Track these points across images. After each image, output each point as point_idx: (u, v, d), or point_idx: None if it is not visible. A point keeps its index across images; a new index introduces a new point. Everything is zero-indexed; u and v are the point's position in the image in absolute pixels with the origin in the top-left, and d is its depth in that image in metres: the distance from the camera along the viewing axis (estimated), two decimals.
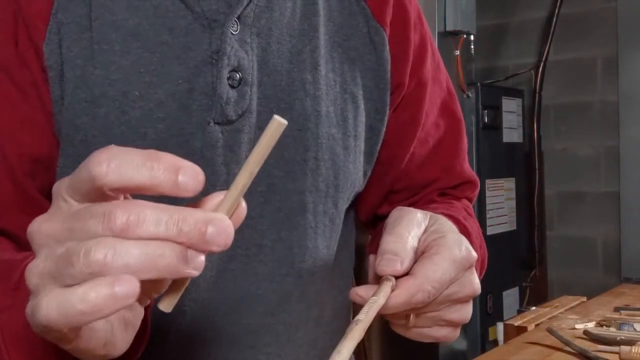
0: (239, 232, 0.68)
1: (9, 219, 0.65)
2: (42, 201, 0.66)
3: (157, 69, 0.65)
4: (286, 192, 0.71)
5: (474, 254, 0.58)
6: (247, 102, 0.68)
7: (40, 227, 0.39)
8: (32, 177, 0.65)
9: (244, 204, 0.42)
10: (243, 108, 0.67)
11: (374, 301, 0.51)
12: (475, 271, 0.58)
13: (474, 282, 0.58)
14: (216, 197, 0.41)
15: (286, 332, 0.73)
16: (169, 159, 0.38)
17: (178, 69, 0.66)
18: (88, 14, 0.65)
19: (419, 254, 0.57)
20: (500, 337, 1.98)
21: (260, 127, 0.69)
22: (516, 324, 1.28)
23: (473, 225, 0.76)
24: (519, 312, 2.05)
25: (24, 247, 0.65)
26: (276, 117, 0.40)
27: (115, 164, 0.37)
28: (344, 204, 0.78)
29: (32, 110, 0.65)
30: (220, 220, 0.38)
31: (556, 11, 3.09)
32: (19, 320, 0.47)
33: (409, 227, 0.58)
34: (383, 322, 0.56)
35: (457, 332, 0.60)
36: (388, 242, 0.57)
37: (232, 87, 0.67)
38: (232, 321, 0.71)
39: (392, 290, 0.54)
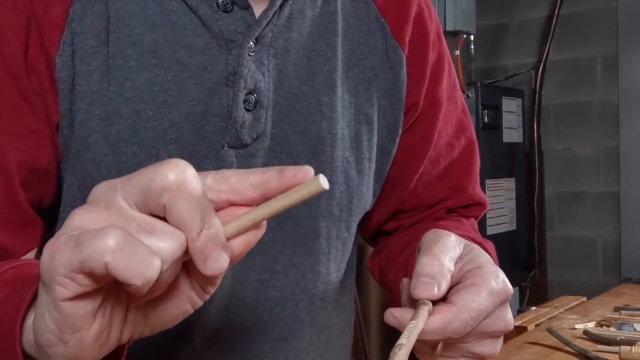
0: (251, 257, 0.67)
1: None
2: (32, 214, 0.65)
3: (172, 88, 0.64)
4: (299, 217, 0.69)
5: (510, 287, 0.56)
6: (262, 126, 0.66)
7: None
8: (26, 187, 0.63)
9: (261, 231, 0.42)
10: (258, 132, 0.66)
11: (414, 325, 0.51)
12: (509, 307, 0.57)
13: (507, 318, 0.56)
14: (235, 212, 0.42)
15: (297, 357, 0.73)
16: (220, 235, 0.39)
17: (193, 89, 0.64)
18: (106, 27, 0.63)
19: (454, 282, 0.56)
20: None
21: (274, 150, 0.67)
22: (516, 324, 1.28)
23: (490, 246, 0.75)
24: (519, 312, 2.05)
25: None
26: (321, 177, 0.41)
27: (185, 197, 0.39)
28: (355, 227, 0.77)
29: (35, 120, 0.63)
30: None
31: (556, 11, 3.09)
32: None
33: (445, 250, 0.57)
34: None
35: None
36: (424, 264, 0.55)
37: (247, 110, 0.65)
38: (243, 347, 0.70)
39: (429, 314, 0.53)
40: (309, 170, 0.41)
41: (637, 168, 2.97)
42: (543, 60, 3.12)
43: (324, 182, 0.40)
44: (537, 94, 3.15)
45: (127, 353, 0.47)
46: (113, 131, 0.63)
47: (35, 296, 0.42)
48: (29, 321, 0.42)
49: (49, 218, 0.68)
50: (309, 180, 0.41)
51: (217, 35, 0.65)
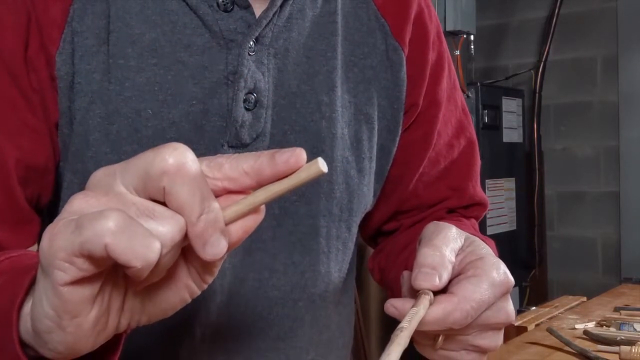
0: (250, 255, 0.68)
1: None
2: (29, 211, 0.65)
3: (172, 87, 0.64)
4: (299, 216, 0.69)
5: (511, 278, 0.56)
6: (262, 125, 0.66)
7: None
8: (24, 184, 0.64)
9: (260, 216, 0.42)
10: (257, 131, 0.66)
11: (415, 312, 0.50)
12: (510, 298, 0.57)
13: (509, 310, 0.56)
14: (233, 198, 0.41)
15: (296, 356, 0.73)
16: (219, 219, 0.39)
17: (193, 88, 0.64)
18: (106, 26, 0.63)
19: (455, 274, 0.55)
20: None
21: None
22: (516, 324, 1.28)
23: (491, 244, 0.75)
24: (519, 312, 2.05)
25: None
26: (319, 160, 0.40)
27: (184, 180, 0.38)
28: (356, 227, 0.76)
29: (34, 118, 0.63)
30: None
31: (556, 11, 3.09)
32: None
33: (446, 241, 0.56)
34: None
35: (484, 358, 0.58)
36: (425, 255, 0.55)
37: (247, 109, 0.65)
38: (242, 344, 0.70)
39: (430, 304, 0.52)
40: (301, 153, 0.40)
41: (637, 168, 2.98)
42: (543, 60, 3.13)
43: (322, 165, 0.40)
44: (537, 94, 3.15)
45: (128, 348, 0.47)
46: (113, 130, 0.63)
47: (32, 283, 0.42)
48: (26, 308, 0.42)
49: (49, 216, 0.68)
50: (307, 164, 0.40)
51: (217, 35, 0.65)
